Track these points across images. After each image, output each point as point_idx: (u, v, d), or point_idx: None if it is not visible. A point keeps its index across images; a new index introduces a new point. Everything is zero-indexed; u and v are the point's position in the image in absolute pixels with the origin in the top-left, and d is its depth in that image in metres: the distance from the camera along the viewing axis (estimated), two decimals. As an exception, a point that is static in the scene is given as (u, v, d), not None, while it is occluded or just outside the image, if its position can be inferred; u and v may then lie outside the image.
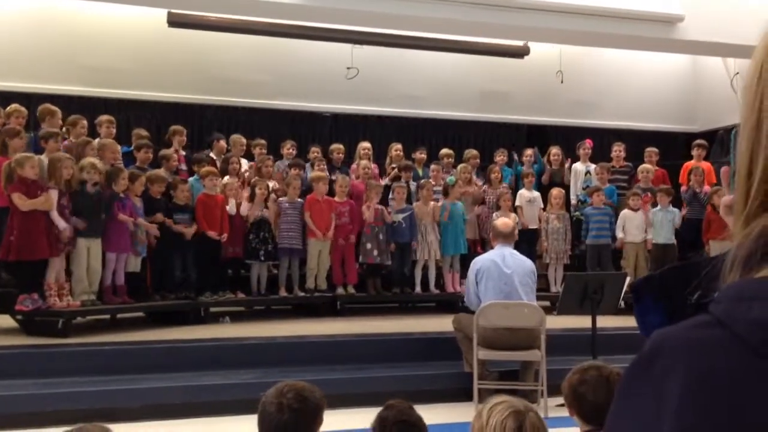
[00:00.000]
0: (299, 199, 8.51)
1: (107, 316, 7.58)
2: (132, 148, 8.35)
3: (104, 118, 8.37)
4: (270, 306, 8.85)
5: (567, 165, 10.03)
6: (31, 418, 5.30)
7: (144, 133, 8.73)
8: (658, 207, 9.23)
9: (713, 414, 0.53)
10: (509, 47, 10.41)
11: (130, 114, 9.71)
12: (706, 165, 9.81)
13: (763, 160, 0.59)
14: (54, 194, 6.62)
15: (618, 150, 10.19)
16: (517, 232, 7.18)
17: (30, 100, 8.79)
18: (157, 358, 6.37)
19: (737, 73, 9.73)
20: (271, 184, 8.67)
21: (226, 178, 8.33)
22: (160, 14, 9.24)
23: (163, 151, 8.40)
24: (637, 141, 10.80)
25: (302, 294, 8.51)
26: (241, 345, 6.84)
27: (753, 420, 0.52)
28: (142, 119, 9.53)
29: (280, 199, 8.49)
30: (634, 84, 11.71)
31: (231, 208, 8.00)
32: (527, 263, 6.41)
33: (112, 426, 2.33)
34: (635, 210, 9.21)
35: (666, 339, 0.59)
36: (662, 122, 11.91)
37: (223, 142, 9.15)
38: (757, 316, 0.54)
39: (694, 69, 11.93)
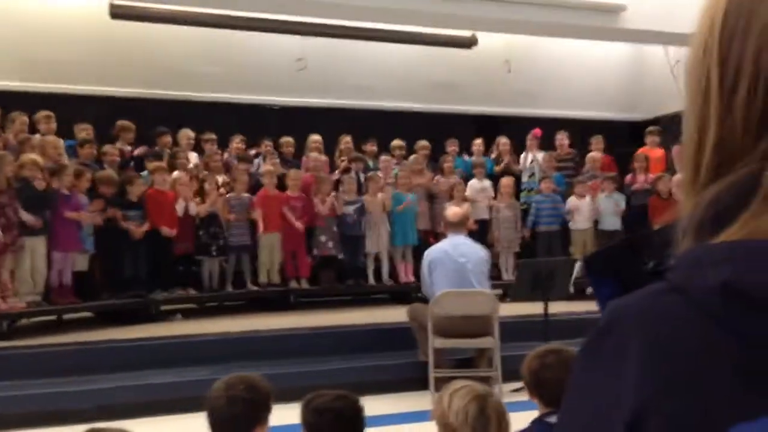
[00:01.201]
0: (246, 194, 8.41)
1: (54, 317, 7.39)
2: (76, 142, 8.13)
3: (42, 113, 8.08)
4: (223, 302, 8.75)
5: (513, 158, 10.14)
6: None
7: (85, 126, 8.47)
8: (604, 194, 9.41)
9: (673, 383, 0.53)
10: (457, 38, 10.46)
11: (73, 109, 9.44)
12: (658, 152, 10.00)
13: (714, 132, 0.59)
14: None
15: (561, 138, 10.35)
16: (470, 220, 7.24)
17: (-34, 96, 8.49)
18: (107, 358, 6.25)
19: (678, 61, 9.96)
20: (221, 178, 8.56)
21: (175, 173, 8.18)
22: (102, 5, 9.01)
23: (104, 148, 8.19)
24: (583, 129, 10.97)
25: (255, 288, 8.43)
26: (193, 342, 6.76)
27: (711, 387, 0.52)
28: (86, 114, 9.27)
29: (228, 194, 8.38)
30: (579, 73, 11.89)
31: (180, 207, 7.87)
32: (480, 251, 6.47)
33: (62, 429, 2.28)
34: (582, 197, 9.37)
35: (621, 310, 0.58)
36: (607, 111, 12.12)
37: (166, 137, 8.96)
38: (713, 281, 0.54)
39: (637, 58, 12.18)
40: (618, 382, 0.55)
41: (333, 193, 8.74)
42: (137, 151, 8.66)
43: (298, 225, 8.44)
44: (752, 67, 0.57)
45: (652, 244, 0.64)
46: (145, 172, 8.15)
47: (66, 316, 7.46)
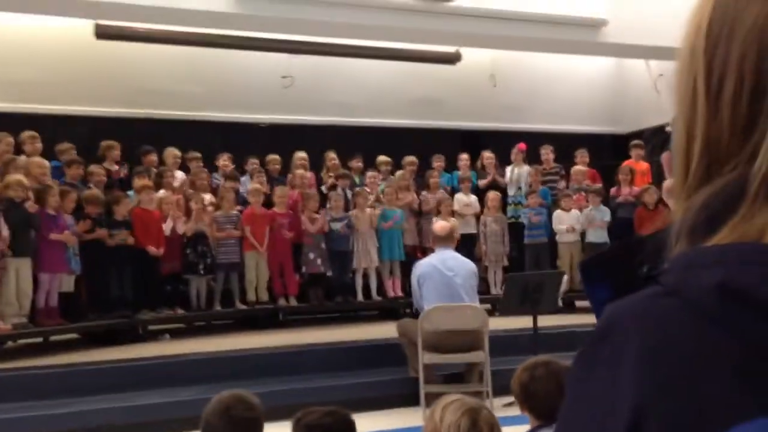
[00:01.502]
0: (234, 212, 8.39)
1: (40, 339, 7.32)
2: (62, 163, 8.09)
3: (27, 134, 8.02)
4: (211, 321, 8.69)
5: (498, 171, 10.20)
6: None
7: (67, 146, 8.41)
8: (590, 207, 9.47)
9: (668, 386, 0.53)
10: (442, 54, 10.53)
11: (59, 130, 9.40)
12: (643, 165, 10.07)
13: (702, 135, 0.60)
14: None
15: (546, 152, 10.41)
16: (457, 234, 7.26)
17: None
18: (94, 380, 6.18)
19: (660, 74, 10.07)
20: (207, 197, 8.53)
21: (161, 192, 8.15)
22: (87, 26, 9.00)
23: (91, 167, 8.15)
24: (567, 143, 11.05)
25: (243, 307, 8.38)
26: (182, 362, 6.70)
27: (707, 389, 0.52)
28: (72, 134, 9.23)
29: (216, 213, 8.36)
30: (562, 88, 11.97)
31: (167, 227, 7.83)
32: (468, 265, 6.48)
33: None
34: (567, 210, 9.43)
35: (616, 316, 0.58)
36: (590, 124, 12.21)
37: (152, 156, 8.93)
38: (707, 282, 0.54)
39: (619, 72, 12.29)
40: (613, 389, 0.55)
41: (321, 212, 8.73)
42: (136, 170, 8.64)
43: (288, 236, 8.41)
44: (736, 72, 0.58)
45: (646, 249, 0.64)
46: (131, 192, 8.12)
47: (52, 338, 7.39)
